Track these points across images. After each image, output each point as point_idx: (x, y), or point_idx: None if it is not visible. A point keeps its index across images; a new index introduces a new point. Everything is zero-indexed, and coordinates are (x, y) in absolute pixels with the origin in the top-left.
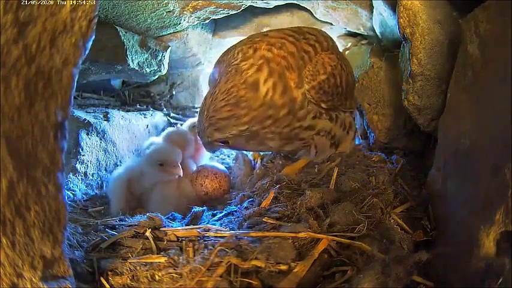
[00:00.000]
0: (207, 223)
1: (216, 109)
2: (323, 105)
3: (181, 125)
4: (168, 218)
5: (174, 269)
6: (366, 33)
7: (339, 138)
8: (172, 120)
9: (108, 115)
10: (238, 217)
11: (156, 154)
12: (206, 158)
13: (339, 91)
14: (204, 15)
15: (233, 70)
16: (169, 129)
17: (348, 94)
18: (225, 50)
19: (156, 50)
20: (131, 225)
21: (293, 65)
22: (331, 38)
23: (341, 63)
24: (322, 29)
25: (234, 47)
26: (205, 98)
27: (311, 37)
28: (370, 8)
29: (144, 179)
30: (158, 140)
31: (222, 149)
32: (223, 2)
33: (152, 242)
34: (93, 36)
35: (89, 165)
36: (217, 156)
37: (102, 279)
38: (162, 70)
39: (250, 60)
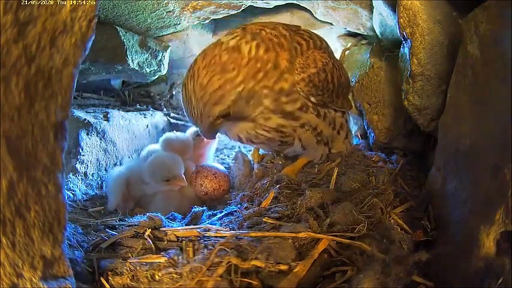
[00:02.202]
0: (207, 223)
1: (204, 85)
2: (313, 99)
3: (181, 125)
4: (168, 218)
5: (174, 269)
6: (366, 33)
7: (328, 137)
8: (172, 120)
9: (108, 115)
10: (238, 217)
11: (161, 171)
12: (209, 160)
13: (330, 87)
14: (204, 15)
15: (211, 45)
16: (168, 134)
17: (339, 93)
18: None
19: (156, 50)
20: (131, 225)
21: (285, 45)
22: (325, 40)
23: (333, 62)
24: (323, 29)
25: None
26: (184, 86)
27: (305, 33)
28: (370, 8)
29: (145, 186)
30: (157, 147)
31: (223, 128)
32: (223, 2)
33: (152, 242)
34: (93, 36)
35: (89, 165)
36: (217, 157)
37: (102, 279)
38: (162, 70)
39: (234, 34)
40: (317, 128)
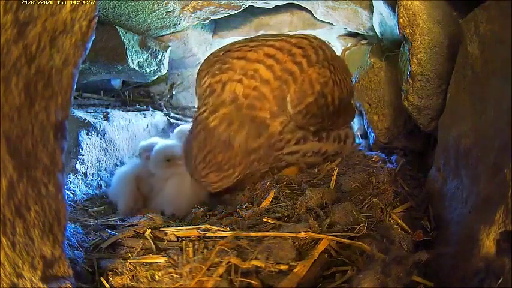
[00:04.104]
0: (207, 223)
1: (203, 176)
2: (311, 128)
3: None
4: (168, 218)
5: (174, 269)
6: (366, 33)
7: (334, 150)
8: (172, 120)
9: (108, 115)
10: (238, 217)
11: (161, 152)
12: None
13: (331, 110)
14: (204, 15)
15: (201, 131)
16: (182, 126)
17: (341, 111)
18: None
19: (156, 50)
20: (131, 225)
21: (267, 94)
22: (322, 47)
23: (333, 77)
24: (323, 29)
25: (207, 64)
26: (186, 151)
27: (298, 52)
28: (370, 8)
29: (153, 179)
30: (157, 140)
31: None
32: (223, 2)
33: (152, 242)
34: (93, 36)
35: (89, 165)
36: None
37: (102, 279)
38: (162, 70)
39: (220, 111)
40: (320, 151)
